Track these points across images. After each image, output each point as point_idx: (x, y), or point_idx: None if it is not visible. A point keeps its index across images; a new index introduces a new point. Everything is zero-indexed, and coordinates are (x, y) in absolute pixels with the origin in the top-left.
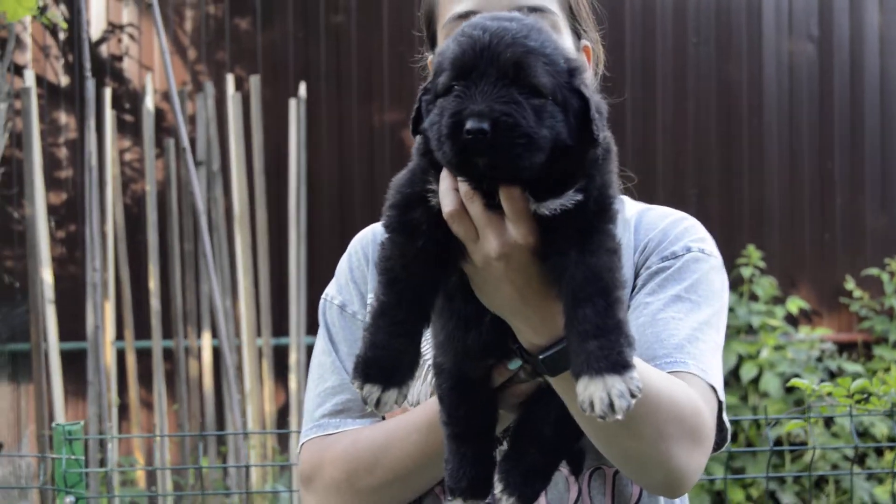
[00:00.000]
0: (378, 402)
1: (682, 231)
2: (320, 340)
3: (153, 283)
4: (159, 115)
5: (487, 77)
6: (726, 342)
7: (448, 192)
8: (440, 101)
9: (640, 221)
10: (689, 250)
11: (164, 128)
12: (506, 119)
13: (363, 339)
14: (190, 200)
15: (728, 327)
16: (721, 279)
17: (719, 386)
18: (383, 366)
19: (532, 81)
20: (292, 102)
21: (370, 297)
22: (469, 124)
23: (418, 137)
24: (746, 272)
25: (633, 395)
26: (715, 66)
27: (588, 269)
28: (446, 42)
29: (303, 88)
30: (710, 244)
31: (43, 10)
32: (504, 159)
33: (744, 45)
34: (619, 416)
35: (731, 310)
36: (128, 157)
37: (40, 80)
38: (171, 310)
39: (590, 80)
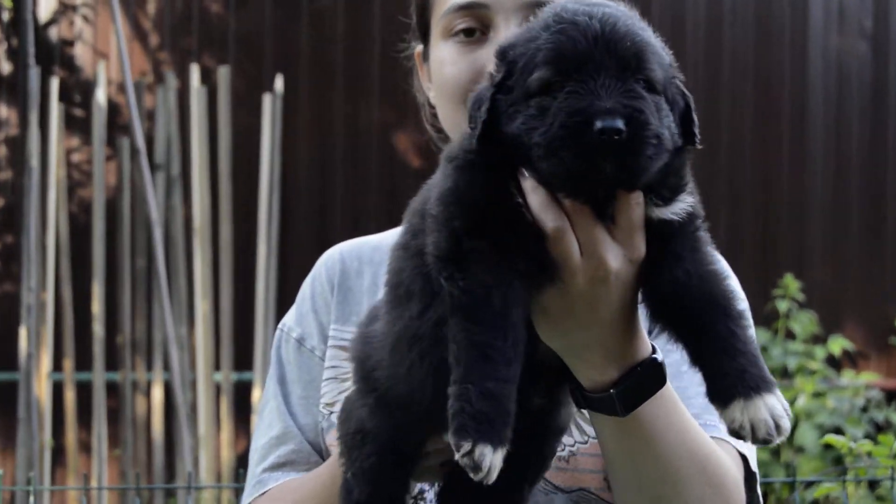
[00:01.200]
0: (490, 468)
1: None
2: (270, 381)
3: (97, 306)
4: (114, 109)
5: (606, 70)
6: None
7: (549, 205)
8: (536, 100)
9: None
10: None
11: (118, 125)
12: (639, 116)
13: (462, 391)
14: (144, 209)
15: None
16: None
17: (752, 457)
18: (493, 420)
19: (650, 75)
20: (266, 97)
21: (332, 330)
22: (601, 123)
23: (457, 148)
24: (783, 306)
25: (787, 413)
26: (753, 60)
27: (711, 278)
28: (531, 30)
29: (279, 81)
30: (735, 282)
31: None
32: (636, 162)
33: (787, 40)
34: (784, 438)
35: (762, 349)
36: (76, 157)
37: None
38: (118, 337)
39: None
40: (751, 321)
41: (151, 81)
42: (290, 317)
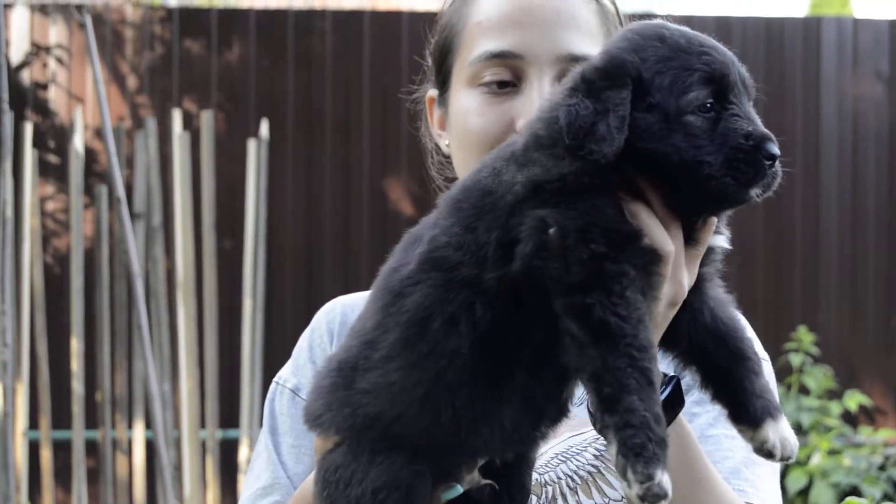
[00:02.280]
0: (667, 496)
1: None
2: (262, 435)
3: (76, 363)
4: (90, 156)
5: (745, 98)
6: None
7: (661, 228)
8: (693, 118)
9: None
10: None
11: (95, 172)
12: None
13: (638, 419)
14: (124, 260)
15: None
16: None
17: None
18: (665, 444)
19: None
20: (251, 143)
21: None
22: (773, 149)
23: (567, 167)
24: (796, 360)
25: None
26: (763, 103)
27: (730, 307)
28: (657, 48)
29: (265, 126)
30: (759, 348)
31: None
32: (773, 186)
33: (798, 82)
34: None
35: None
36: (51, 206)
37: None
38: (97, 393)
39: None
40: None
41: (130, 127)
42: (285, 369)
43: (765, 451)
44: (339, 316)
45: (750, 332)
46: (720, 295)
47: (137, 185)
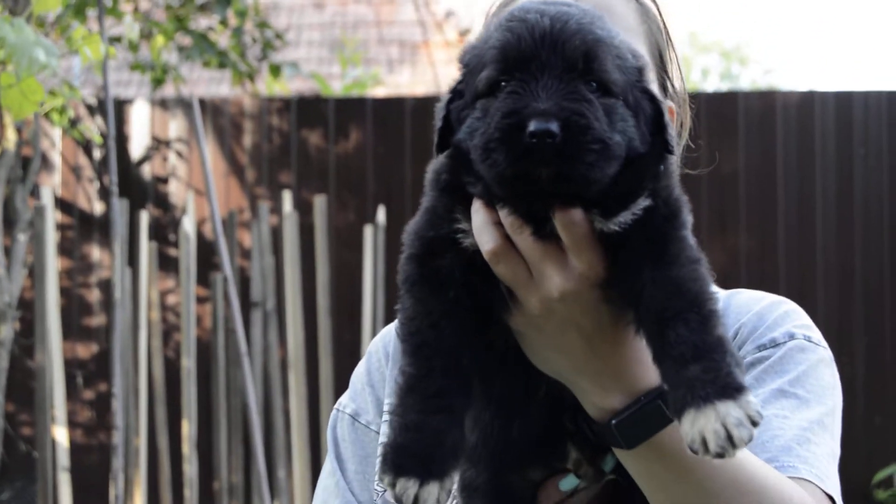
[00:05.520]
0: (416, 501)
1: (783, 315)
2: (327, 462)
3: (187, 446)
4: (210, 248)
5: (551, 69)
6: None
7: (486, 226)
8: (481, 102)
9: (729, 305)
10: (792, 337)
11: (215, 264)
12: (577, 119)
13: (390, 424)
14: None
15: None
16: (833, 374)
17: (839, 498)
18: (418, 453)
19: (603, 77)
20: (368, 229)
21: (387, 405)
22: (533, 125)
23: (432, 168)
24: None
25: (753, 423)
26: (888, 186)
27: (671, 283)
28: (486, 32)
29: (382, 213)
30: (816, 332)
31: (74, 122)
32: (574, 169)
33: None
34: (741, 450)
35: None
36: (172, 299)
37: (70, 208)
38: (214, 482)
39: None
40: (719, 322)
41: (249, 218)
42: (345, 396)
43: (690, 449)
44: (394, 340)
45: (704, 305)
46: (660, 276)
47: (253, 272)
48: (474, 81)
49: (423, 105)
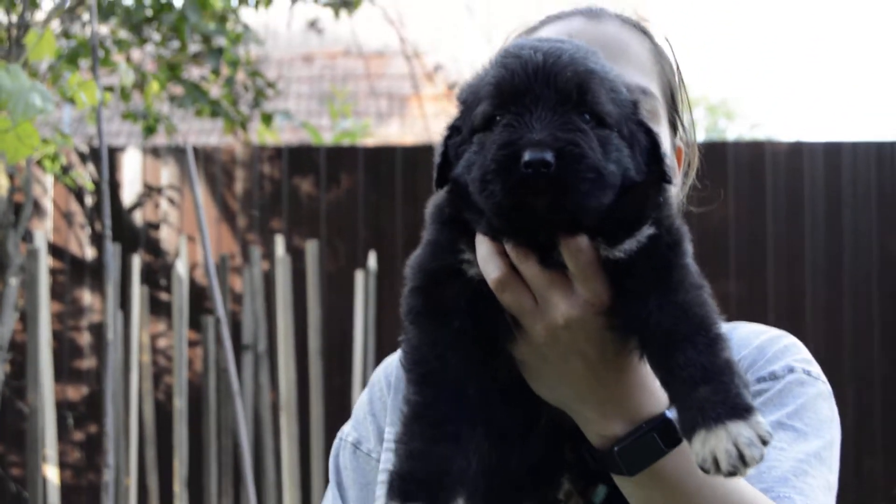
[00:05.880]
0: None
1: (783, 349)
2: (328, 490)
3: (178, 484)
4: (202, 293)
5: (545, 101)
6: None
7: (492, 255)
8: (478, 136)
9: (730, 338)
10: (791, 370)
11: (206, 308)
12: (572, 149)
13: (395, 452)
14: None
15: None
16: (831, 408)
17: None
18: (425, 480)
19: (596, 108)
20: (359, 274)
21: (388, 433)
22: (528, 156)
23: (433, 202)
24: None
25: (763, 442)
26: (877, 234)
27: (677, 308)
28: (483, 70)
29: (373, 258)
30: (816, 367)
31: (66, 169)
32: (570, 199)
33: None
34: (752, 469)
35: None
36: (163, 343)
37: (62, 253)
38: None
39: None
40: (726, 345)
41: (241, 264)
42: (347, 425)
43: (701, 469)
44: (396, 370)
45: (710, 330)
46: (666, 302)
47: (245, 315)
48: (471, 117)
49: (414, 153)
